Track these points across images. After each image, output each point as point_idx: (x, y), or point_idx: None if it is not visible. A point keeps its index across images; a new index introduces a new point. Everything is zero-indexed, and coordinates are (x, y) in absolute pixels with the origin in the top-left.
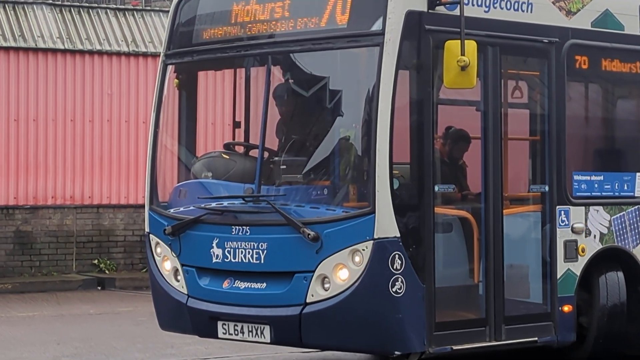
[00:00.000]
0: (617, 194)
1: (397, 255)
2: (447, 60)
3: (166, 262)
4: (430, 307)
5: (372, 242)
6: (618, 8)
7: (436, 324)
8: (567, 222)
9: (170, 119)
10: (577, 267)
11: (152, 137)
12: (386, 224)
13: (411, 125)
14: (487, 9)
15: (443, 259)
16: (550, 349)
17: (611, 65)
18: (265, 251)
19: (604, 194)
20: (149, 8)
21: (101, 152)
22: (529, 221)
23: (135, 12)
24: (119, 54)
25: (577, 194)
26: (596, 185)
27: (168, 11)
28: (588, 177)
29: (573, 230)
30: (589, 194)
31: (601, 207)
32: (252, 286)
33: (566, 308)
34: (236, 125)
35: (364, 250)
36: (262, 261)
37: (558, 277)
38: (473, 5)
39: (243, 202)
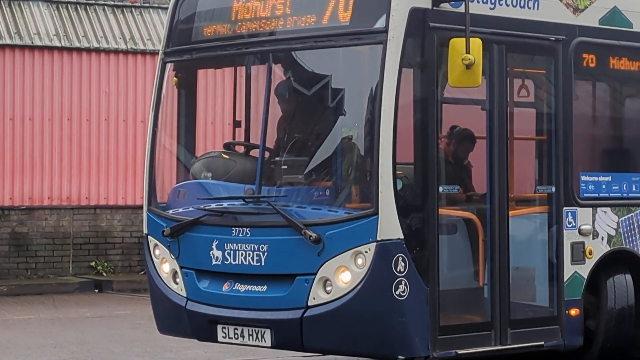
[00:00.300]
0: (625, 195)
1: (400, 258)
2: (451, 58)
3: (165, 265)
4: (434, 311)
5: (375, 244)
6: (626, 5)
7: (440, 327)
8: (574, 224)
9: (169, 118)
10: (585, 270)
11: (151, 136)
12: (389, 226)
13: (415, 125)
14: (492, 6)
15: (447, 261)
16: (557, 353)
17: (619, 64)
18: (266, 253)
19: (612, 195)
20: (147, 5)
21: (98, 151)
22: (535, 223)
23: (133, 9)
24: (116, 51)
25: (585, 194)
26: (604, 186)
27: (167, 8)
28: (596, 178)
29: (580, 232)
30: (597, 195)
31: (609, 208)
32: (253, 289)
33: (573, 311)
34: (236, 124)
35: (366, 252)
36: (263, 263)
37: (565, 280)
38: (478, 2)
39: (243, 203)
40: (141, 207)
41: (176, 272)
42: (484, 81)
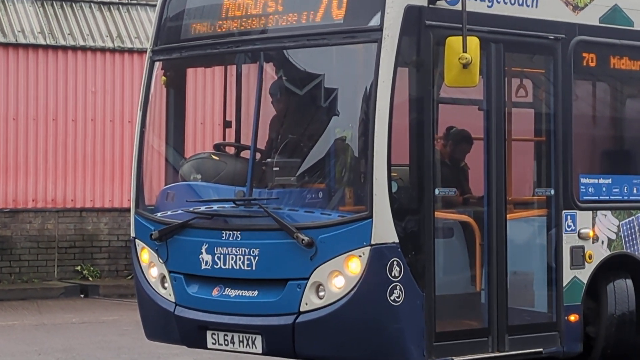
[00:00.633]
0: (626, 197)
1: (395, 262)
2: (448, 57)
3: (153, 269)
4: (430, 317)
5: (369, 248)
6: (627, 3)
7: (436, 334)
8: (573, 228)
9: (158, 118)
10: (584, 275)
11: (139, 137)
12: (384, 229)
13: (410, 126)
14: (490, 4)
15: (444, 265)
16: None
17: (620, 63)
18: (257, 257)
19: (612, 197)
20: (135, 2)
21: (84, 152)
22: (533, 226)
23: (120, 6)
24: (103, 50)
25: (584, 197)
26: (604, 189)
27: (155, 5)
28: (596, 180)
29: (580, 236)
30: (597, 197)
31: (609, 211)
32: (243, 294)
33: (572, 317)
34: (227, 124)
35: (360, 256)
36: (254, 268)
37: (564, 285)
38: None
39: (234, 205)
40: (128, 210)
41: (164, 276)
42: (481, 81)
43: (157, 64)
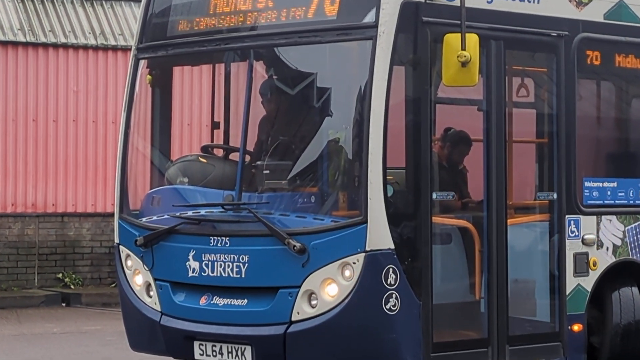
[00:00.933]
0: (632, 202)
1: (391, 269)
2: (446, 55)
3: (137, 277)
4: (427, 326)
5: (363, 254)
6: None
7: (434, 344)
8: (577, 233)
9: (143, 119)
10: (588, 282)
11: (123, 138)
12: (379, 235)
13: (407, 127)
14: (490, 0)
15: (441, 273)
16: None
17: (625, 61)
18: (246, 264)
19: (617, 202)
20: None
21: (66, 155)
22: (535, 232)
23: (104, 2)
24: (86, 47)
25: (588, 202)
26: (609, 193)
27: (140, 0)
28: (600, 184)
29: (584, 242)
30: (601, 202)
31: (614, 216)
32: (232, 303)
33: (576, 327)
34: (215, 126)
35: (354, 263)
36: (243, 275)
37: (567, 293)
38: None
39: (222, 210)
40: (112, 215)
41: (150, 284)
42: (481, 80)
43: (142, 62)
